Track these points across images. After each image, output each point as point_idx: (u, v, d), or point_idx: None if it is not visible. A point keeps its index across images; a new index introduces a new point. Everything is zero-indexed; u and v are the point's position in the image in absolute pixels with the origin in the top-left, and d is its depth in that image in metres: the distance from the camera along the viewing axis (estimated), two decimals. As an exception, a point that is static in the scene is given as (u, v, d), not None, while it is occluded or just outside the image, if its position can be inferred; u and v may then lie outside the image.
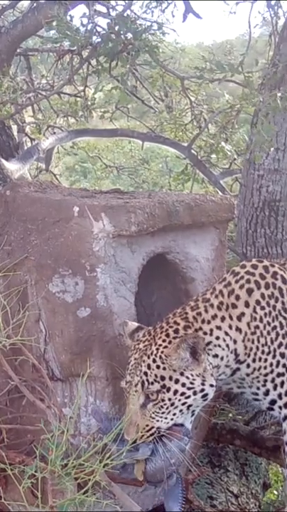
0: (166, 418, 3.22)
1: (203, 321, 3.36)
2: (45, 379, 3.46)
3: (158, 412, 3.21)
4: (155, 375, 3.22)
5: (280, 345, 3.42)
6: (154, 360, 3.23)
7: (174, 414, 3.23)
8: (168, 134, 7.55)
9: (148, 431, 3.20)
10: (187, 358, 3.23)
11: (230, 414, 4.63)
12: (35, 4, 5.15)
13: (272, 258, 5.02)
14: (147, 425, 3.20)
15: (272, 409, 3.51)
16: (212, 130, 7.01)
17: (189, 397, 3.24)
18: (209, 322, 3.36)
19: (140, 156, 9.70)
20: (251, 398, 3.56)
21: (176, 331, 3.31)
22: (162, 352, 3.24)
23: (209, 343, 3.33)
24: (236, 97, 6.36)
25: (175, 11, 5.13)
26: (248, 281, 3.46)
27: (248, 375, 3.44)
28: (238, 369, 3.42)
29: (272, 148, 4.95)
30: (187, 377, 3.24)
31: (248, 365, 3.42)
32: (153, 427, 3.20)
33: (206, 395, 3.27)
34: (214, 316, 3.38)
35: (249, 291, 3.44)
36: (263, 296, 3.44)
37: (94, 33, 4.49)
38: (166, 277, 4.02)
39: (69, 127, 7.69)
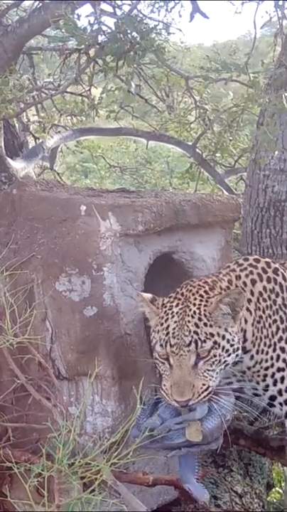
0: (216, 375, 3.22)
1: (221, 288, 3.38)
2: (52, 377, 3.47)
3: (209, 370, 3.19)
4: (206, 333, 3.20)
5: (280, 339, 3.44)
6: (200, 319, 3.22)
7: (219, 372, 3.24)
8: (172, 134, 7.55)
9: (205, 390, 3.17)
10: (229, 313, 3.25)
11: (234, 413, 4.62)
12: (40, 4, 5.14)
13: (277, 258, 5.04)
14: (203, 384, 3.17)
15: (272, 406, 3.52)
16: (217, 129, 7.02)
17: (230, 354, 3.26)
18: (225, 291, 3.38)
19: (142, 156, 9.70)
20: (251, 393, 3.56)
21: (206, 292, 3.31)
22: (205, 310, 3.23)
23: None
24: (240, 96, 6.38)
25: (182, 11, 5.13)
26: (251, 272, 3.50)
27: (249, 368, 3.45)
28: (241, 360, 3.42)
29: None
30: (230, 334, 3.26)
31: (251, 357, 3.43)
32: (209, 386, 3.19)
33: (238, 354, 3.32)
34: (228, 288, 3.40)
35: (253, 282, 3.48)
36: (265, 288, 3.48)
37: (100, 32, 4.49)
38: (172, 277, 4.01)
39: (73, 126, 7.68)
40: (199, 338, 3.19)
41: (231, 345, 3.26)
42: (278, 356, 3.43)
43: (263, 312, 3.44)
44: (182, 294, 3.34)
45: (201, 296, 3.29)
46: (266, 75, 4.92)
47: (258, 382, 3.47)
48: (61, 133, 7.01)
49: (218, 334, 3.22)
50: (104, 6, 4.97)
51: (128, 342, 3.55)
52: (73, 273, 3.51)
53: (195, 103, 7.00)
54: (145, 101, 7.87)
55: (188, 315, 3.24)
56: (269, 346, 3.42)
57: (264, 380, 3.45)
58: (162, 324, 3.29)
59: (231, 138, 6.73)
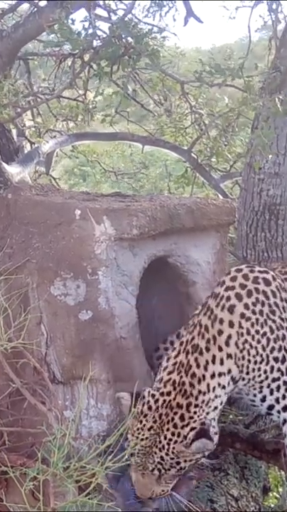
0: (179, 475, 3.29)
1: (199, 381, 3.25)
2: (47, 382, 3.47)
3: (172, 478, 3.28)
4: (171, 463, 3.23)
5: (272, 350, 3.36)
6: (167, 454, 3.21)
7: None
8: (167, 138, 7.55)
9: (163, 494, 3.29)
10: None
11: (230, 416, 4.62)
12: (35, 8, 5.14)
13: (272, 262, 5.04)
14: (163, 491, 3.28)
15: (271, 414, 3.51)
16: (212, 133, 7.02)
17: (200, 458, 3.29)
18: (204, 377, 3.26)
19: (139, 160, 9.70)
20: (249, 404, 3.56)
21: (182, 418, 3.22)
22: (173, 448, 3.20)
23: (208, 401, 3.26)
24: (236, 100, 6.38)
25: (177, 15, 5.13)
26: (227, 298, 3.34)
27: (245, 385, 3.42)
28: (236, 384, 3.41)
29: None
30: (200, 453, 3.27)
31: (243, 379, 3.38)
32: (168, 490, 3.28)
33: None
34: (206, 365, 3.27)
35: (231, 309, 3.33)
36: (246, 306, 3.34)
37: (94, 37, 4.49)
38: (167, 280, 4.02)
39: (69, 131, 7.69)
40: (164, 468, 3.24)
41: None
42: (272, 367, 3.35)
43: (248, 333, 3.31)
44: (156, 410, 3.25)
45: (175, 426, 3.21)
46: (261, 78, 4.92)
47: (255, 395, 3.42)
48: (56, 138, 7.01)
49: (185, 461, 3.24)
50: (99, 11, 4.97)
51: (123, 345, 3.56)
52: (68, 277, 3.52)
53: (191, 108, 7.01)
54: (141, 106, 7.87)
55: (156, 446, 3.23)
56: (261, 362, 3.34)
57: (261, 392, 3.40)
58: (132, 435, 3.25)
59: (226, 143, 6.73)
